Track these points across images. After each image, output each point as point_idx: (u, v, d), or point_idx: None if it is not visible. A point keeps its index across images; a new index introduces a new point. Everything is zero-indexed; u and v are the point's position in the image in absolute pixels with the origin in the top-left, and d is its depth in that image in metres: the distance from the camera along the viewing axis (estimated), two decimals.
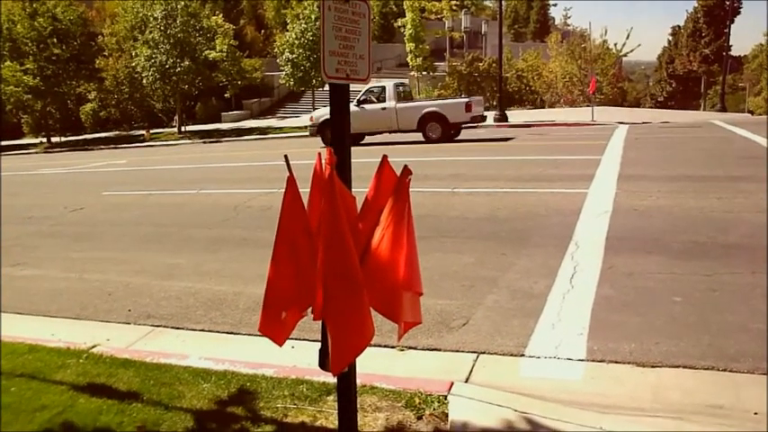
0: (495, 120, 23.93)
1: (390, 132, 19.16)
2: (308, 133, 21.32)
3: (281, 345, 2.33)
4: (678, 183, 8.82)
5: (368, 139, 19.00)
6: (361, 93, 19.48)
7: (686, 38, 46.04)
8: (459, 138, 18.52)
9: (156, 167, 17.59)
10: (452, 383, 3.41)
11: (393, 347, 3.98)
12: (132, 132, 36.14)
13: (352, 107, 18.75)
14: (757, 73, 41.53)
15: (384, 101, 18.92)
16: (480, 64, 34.48)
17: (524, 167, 11.54)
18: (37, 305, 5.47)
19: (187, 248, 7.26)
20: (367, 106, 19.24)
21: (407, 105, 18.94)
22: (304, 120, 32.30)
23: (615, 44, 36.43)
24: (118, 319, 5.01)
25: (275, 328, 2.29)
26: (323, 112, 20.30)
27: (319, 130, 19.72)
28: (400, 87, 20.02)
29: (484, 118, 19.92)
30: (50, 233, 8.79)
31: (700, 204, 7.36)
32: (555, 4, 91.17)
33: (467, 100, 18.63)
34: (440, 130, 17.93)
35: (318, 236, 2.16)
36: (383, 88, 19.31)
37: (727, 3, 37.93)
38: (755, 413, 3.02)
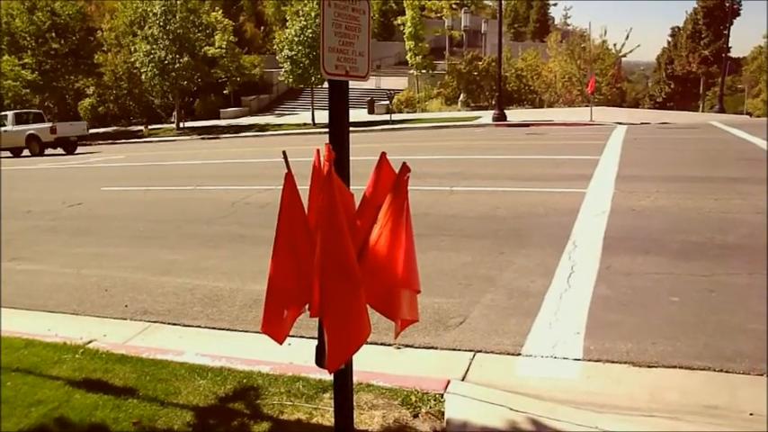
0: (494, 119, 23.94)
1: (14, 149, 24.95)
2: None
3: (281, 343, 2.32)
4: (676, 183, 8.83)
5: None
6: None
7: (685, 39, 46.05)
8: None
9: (155, 163, 17.57)
10: (449, 382, 3.41)
11: (390, 345, 3.97)
12: (131, 128, 36.10)
13: None
14: (756, 75, 41.60)
15: (6, 125, 24.99)
16: (480, 63, 34.43)
17: (523, 167, 11.54)
18: (34, 300, 5.45)
19: (185, 245, 7.25)
20: None
21: (17, 129, 24.81)
22: (303, 117, 32.41)
23: (615, 44, 36.58)
24: (115, 314, 4.99)
25: (276, 326, 2.28)
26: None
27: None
28: (24, 115, 26.45)
29: (84, 136, 26.31)
30: (49, 228, 8.77)
31: (698, 205, 7.37)
32: (555, 4, 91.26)
33: (51, 125, 24.81)
34: (38, 146, 24.25)
35: (317, 232, 2.16)
36: (7, 116, 25.58)
37: (727, 4, 37.96)
38: (751, 414, 3.02)
